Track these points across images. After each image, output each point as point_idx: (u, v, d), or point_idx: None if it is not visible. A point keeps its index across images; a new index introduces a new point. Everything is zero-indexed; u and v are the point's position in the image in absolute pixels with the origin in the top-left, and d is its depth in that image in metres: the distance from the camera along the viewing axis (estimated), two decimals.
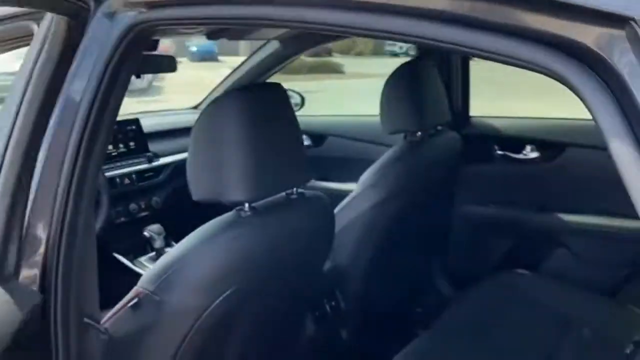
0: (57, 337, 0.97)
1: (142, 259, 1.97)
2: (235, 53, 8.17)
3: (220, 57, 13.82)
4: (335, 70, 13.07)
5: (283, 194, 1.18)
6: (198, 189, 1.06)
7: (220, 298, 1.01)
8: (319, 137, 2.46)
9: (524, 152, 2.02)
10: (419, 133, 1.70)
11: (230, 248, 1.03)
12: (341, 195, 1.65)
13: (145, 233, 1.93)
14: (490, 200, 2.08)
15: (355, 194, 1.64)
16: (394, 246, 1.73)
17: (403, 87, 1.63)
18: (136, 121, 2.07)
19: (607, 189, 1.88)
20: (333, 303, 1.65)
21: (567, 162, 1.93)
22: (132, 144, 2.04)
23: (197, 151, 1.05)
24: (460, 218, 2.13)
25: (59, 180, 0.93)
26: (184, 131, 2.22)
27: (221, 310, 1.02)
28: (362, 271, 1.68)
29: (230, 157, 1.01)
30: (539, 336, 1.55)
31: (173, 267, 1.01)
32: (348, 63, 14.70)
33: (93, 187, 0.99)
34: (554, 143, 1.97)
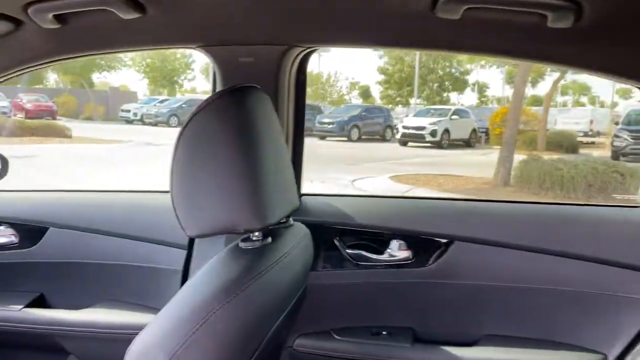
0: None
1: None
2: None
3: None
4: (61, 134, 11.55)
5: None
6: None
7: None
8: (34, 231, 1.48)
9: (389, 249, 1.31)
10: (258, 233, 0.85)
11: None
12: None
13: None
14: (332, 327, 1.32)
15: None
16: None
17: (224, 145, 0.77)
18: None
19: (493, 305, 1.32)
20: None
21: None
22: None
23: None
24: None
25: None
26: None
27: None
28: None
29: None
30: None
31: None
32: (76, 127, 13.45)
33: None
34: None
